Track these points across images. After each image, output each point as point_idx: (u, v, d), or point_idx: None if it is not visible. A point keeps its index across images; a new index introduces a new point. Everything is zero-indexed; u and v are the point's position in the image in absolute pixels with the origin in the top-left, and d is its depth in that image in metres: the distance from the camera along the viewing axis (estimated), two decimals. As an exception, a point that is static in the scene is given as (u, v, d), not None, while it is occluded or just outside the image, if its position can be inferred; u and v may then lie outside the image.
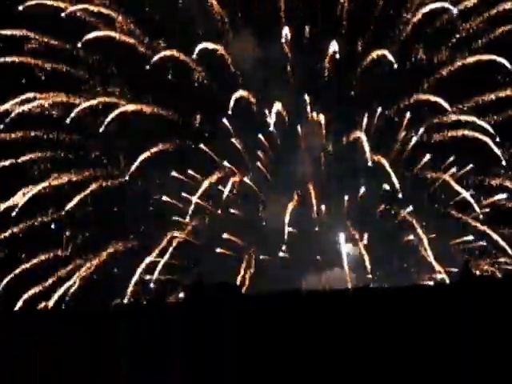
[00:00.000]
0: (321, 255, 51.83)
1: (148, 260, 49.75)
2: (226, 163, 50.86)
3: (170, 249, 50.08)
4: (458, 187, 48.69)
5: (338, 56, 49.67)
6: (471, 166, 48.87)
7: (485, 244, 48.88)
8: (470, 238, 48.84)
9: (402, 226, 50.46)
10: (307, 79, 51.40)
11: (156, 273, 49.73)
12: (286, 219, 50.07)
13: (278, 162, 51.58)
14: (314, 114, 51.42)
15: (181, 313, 45.89)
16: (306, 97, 51.34)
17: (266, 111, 51.03)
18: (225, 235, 50.74)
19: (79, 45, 50.05)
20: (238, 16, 51.01)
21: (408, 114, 49.85)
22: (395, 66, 48.98)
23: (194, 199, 49.81)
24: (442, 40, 49.44)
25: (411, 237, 50.09)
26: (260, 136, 51.26)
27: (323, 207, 51.64)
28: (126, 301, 49.50)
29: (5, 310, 47.01)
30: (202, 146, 50.88)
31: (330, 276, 51.80)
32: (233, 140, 50.88)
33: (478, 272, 48.81)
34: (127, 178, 50.04)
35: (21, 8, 49.62)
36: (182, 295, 49.70)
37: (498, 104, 48.43)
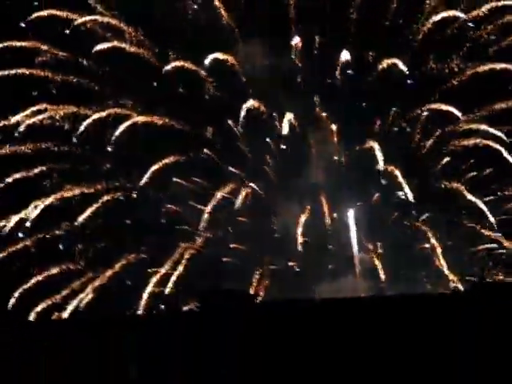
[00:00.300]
0: (333, 264, 51.75)
1: (162, 271, 49.72)
2: (238, 173, 50.82)
3: (183, 261, 50.03)
4: (470, 196, 48.53)
5: (349, 66, 49.41)
6: (484, 174, 48.74)
7: (503, 251, 48.86)
8: (494, 245, 48.76)
9: (416, 234, 50.32)
10: (318, 88, 51.29)
11: (169, 285, 49.62)
12: (299, 230, 50.04)
13: (290, 172, 51.35)
14: (326, 122, 51.41)
15: (194, 321, 45.94)
16: (316, 101, 51.37)
17: (277, 121, 50.99)
18: (236, 245, 50.76)
19: (89, 56, 49.89)
20: (248, 26, 50.57)
21: (420, 124, 49.71)
22: (407, 75, 48.65)
23: (207, 210, 49.67)
24: (453, 48, 49.19)
25: (426, 245, 49.99)
26: (271, 145, 51.30)
27: (335, 215, 51.61)
28: (139, 312, 49.45)
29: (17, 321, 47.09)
30: (207, 151, 50.82)
31: (343, 285, 51.75)
32: (243, 148, 50.95)
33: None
34: (138, 189, 49.86)
35: (28, 21, 49.79)
36: (194, 305, 49.53)
37: (510, 113, 48.26)
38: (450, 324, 41.14)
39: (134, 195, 50.12)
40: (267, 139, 51.37)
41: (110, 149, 49.64)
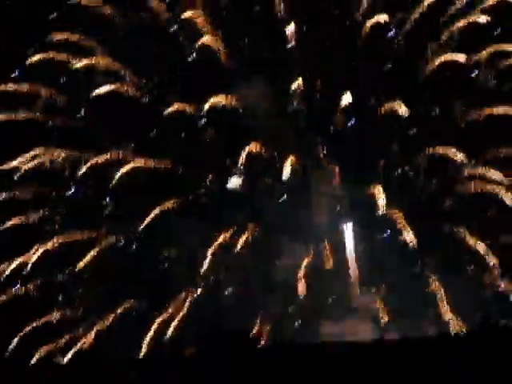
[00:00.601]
0: (335, 306, 51.50)
1: (164, 316, 49.58)
2: (238, 216, 50.54)
3: (185, 305, 49.87)
4: (473, 241, 48.21)
5: (351, 109, 49.00)
6: (488, 219, 48.36)
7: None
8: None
9: (419, 278, 50.08)
10: (320, 130, 50.99)
11: (171, 329, 49.42)
12: (300, 273, 49.85)
13: (291, 214, 51.00)
14: (327, 164, 51.13)
15: (193, 365, 45.97)
16: (318, 143, 51.16)
17: (278, 163, 50.65)
18: (237, 288, 50.56)
19: (89, 100, 49.59)
20: (248, 66, 50.22)
21: (423, 167, 49.39)
22: (408, 118, 48.22)
23: (208, 254, 49.36)
24: (455, 92, 48.76)
25: (428, 288, 49.72)
26: (273, 187, 51.01)
27: (337, 257, 51.38)
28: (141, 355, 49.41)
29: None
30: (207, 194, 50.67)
31: (344, 327, 51.60)
32: (244, 190, 50.80)
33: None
34: (139, 233, 49.61)
35: (27, 64, 49.59)
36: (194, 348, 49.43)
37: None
38: (451, 366, 40.96)
39: (135, 239, 49.80)
40: (268, 181, 51.09)
41: (109, 193, 49.43)
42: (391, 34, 48.50)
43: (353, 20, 48.95)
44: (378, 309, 50.35)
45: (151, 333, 49.59)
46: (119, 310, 49.78)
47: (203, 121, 49.56)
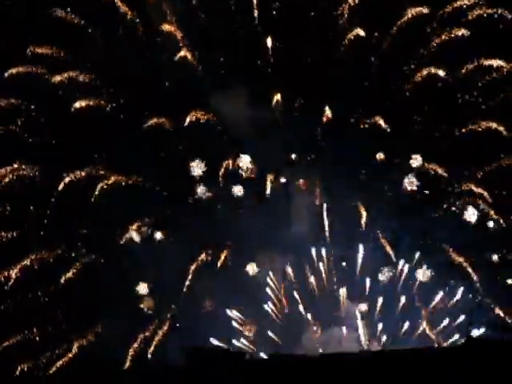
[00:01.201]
0: (320, 315, 51.37)
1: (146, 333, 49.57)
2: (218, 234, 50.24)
3: (167, 321, 49.88)
4: (458, 257, 47.92)
5: (332, 122, 48.35)
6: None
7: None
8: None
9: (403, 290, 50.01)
10: (300, 142, 50.45)
11: (153, 343, 49.43)
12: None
13: (273, 228, 50.60)
14: (309, 177, 50.76)
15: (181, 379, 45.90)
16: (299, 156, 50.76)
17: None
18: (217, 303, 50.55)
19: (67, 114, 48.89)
20: (227, 81, 49.45)
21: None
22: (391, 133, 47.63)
23: (189, 272, 49.25)
24: (438, 106, 47.95)
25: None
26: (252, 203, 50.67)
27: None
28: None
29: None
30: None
31: (329, 337, 51.70)
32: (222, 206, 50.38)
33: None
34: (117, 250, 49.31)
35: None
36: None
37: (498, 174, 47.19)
38: (436, 378, 40.84)
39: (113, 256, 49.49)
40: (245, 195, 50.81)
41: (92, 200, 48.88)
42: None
43: (332, 35, 47.82)
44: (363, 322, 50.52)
45: (134, 347, 49.43)
46: (100, 327, 49.56)
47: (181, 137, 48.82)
